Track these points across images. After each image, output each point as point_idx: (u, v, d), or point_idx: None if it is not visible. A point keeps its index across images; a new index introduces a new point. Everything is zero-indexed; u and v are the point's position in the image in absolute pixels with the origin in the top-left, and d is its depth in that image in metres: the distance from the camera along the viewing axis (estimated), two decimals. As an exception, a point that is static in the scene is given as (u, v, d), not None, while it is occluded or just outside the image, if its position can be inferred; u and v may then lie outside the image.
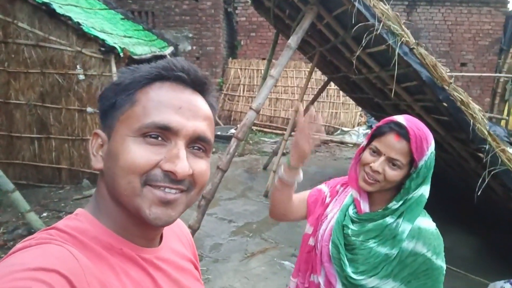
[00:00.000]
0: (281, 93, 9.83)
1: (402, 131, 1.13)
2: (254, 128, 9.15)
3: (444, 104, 2.72)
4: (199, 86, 0.65)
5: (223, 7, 9.51)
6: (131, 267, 0.61)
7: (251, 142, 8.38)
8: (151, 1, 9.30)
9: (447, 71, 2.72)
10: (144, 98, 0.60)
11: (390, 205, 1.18)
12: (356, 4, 2.60)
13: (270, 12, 5.18)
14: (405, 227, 1.15)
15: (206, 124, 0.64)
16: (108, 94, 0.64)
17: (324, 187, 1.42)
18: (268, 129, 9.51)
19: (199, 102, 0.64)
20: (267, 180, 5.47)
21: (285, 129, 6.34)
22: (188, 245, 0.83)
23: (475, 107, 2.77)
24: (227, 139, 7.51)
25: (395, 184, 1.17)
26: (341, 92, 9.16)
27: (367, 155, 1.20)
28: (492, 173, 2.74)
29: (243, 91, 9.83)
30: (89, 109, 5.03)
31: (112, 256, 0.59)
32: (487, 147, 2.69)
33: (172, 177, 0.59)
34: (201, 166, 0.63)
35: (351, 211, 1.26)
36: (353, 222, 1.24)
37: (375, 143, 1.19)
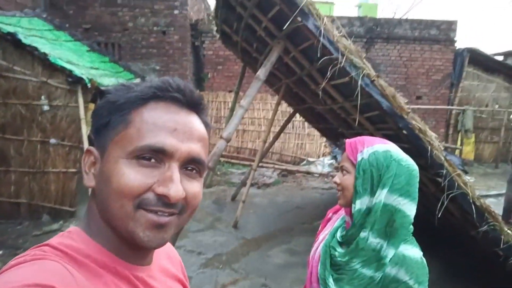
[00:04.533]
0: (248, 124, 9.98)
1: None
2: (222, 159, 9.16)
3: (404, 131, 2.90)
4: (194, 106, 0.65)
5: (190, 41, 9.70)
6: (125, 285, 0.61)
7: (218, 173, 8.37)
8: (117, 33, 9.33)
9: (405, 101, 2.92)
10: (138, 120, 0.60)
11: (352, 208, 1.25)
12: (321, 39, 2.78)
13: (237, 46, 5.37)
14: (388, 252, 1.17)
15: (201, 146, 0.64)
16: (102, 112, 0.63)
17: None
18: (236, 160, 9.55)
19: (194, 122, 0.64)
20: (236, 210, 5.46)
21: (253, 160, 6.42)
22: (178, 265, 0.83)
23: (432, 134, 2.98)
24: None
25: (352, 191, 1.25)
26: (306, 124, 9.44)
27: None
28: (450, 196, 2.91)
29: (210, 122, 9.90)
30: (52, 140, 4.89)
31: (107, 274, 0.59)
32: (444, 171, 2.87)
33: (165, 201, 0.58)
34: (194, 188, 0.63)
35: (339, 234, 1.32)
36: (340, 244, 1.29)
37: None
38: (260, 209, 6.28)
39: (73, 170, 4.99)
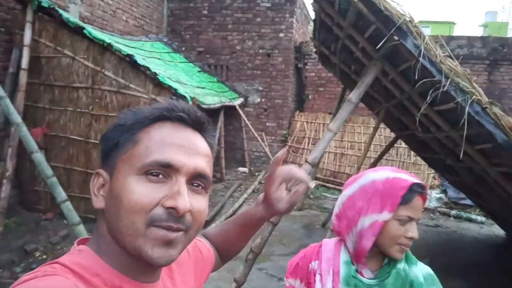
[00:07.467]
0: (347, 148, 9.56)
1: (423, 191, 1.11)
2: (317, 182, 8.92)
3: (525, 171, 2.39)
4: (198, 125, 0.68)
5: (293, 63, 9.80)
6: None
7: (311, 196, 8.14)
8: (226, 56, 9.92)
9: (528, 134, 2.42)
10: (146, 138, 0.63)
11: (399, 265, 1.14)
12: (421, 59, 2.48)
13: (336, 67, 5.20)
14: (415, 271, 1.13)
15: (206, 161, 0.67)
16: (111, 135, 0.66)
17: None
18: (332, 185, 9.20)
19: (198, 140, 0.67)
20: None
21: (348, 186, 6.06)
22: (191, 265, 0.85)
23: None
24: (288, 191, 7.36)
25: None
26: (412, 151, 8.66)
27: (397, 227, 1.09)
28: None
29: (308, 144, 9.75)
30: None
31: None
32: None
33: (174, 214, 0.60)
34: (200, 203, 0.65)
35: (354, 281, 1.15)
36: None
37: (405, 213, 1.08)
38: (351, 239, 5.86)
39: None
